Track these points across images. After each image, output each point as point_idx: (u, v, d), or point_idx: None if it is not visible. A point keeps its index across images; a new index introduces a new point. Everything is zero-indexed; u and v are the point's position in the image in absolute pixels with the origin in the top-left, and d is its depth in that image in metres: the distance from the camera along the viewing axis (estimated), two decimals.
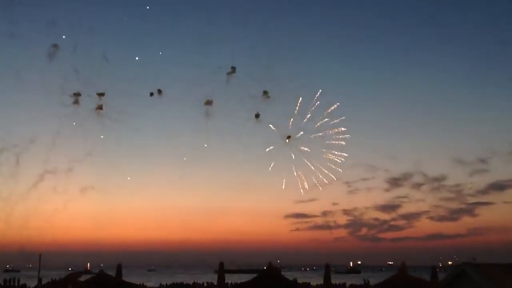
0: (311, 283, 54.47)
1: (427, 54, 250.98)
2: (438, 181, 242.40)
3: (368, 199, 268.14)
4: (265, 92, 31.06)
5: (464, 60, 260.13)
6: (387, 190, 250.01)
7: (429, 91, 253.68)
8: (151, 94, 31.42)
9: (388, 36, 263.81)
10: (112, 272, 33.69)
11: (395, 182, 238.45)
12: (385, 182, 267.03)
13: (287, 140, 31.55)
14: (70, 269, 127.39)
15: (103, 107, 30.79)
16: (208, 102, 31.92)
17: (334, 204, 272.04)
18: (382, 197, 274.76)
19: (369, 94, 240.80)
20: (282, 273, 32.69)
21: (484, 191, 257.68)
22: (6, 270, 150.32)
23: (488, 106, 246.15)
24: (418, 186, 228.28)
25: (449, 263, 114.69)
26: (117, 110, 31.25)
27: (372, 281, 56.43)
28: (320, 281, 47.82)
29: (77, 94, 30.45)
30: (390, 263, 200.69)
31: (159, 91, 31.63)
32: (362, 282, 67.75)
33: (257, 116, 31.59)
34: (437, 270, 31.55)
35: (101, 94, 30.65)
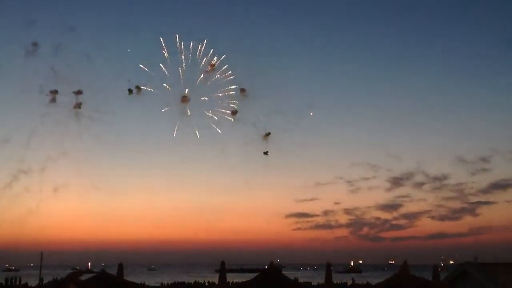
0: (312, 283, 54.41)
1: (428, 52, 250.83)
2: (439, 180, 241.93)
3: (369, 198, 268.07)
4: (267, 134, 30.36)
5: (466, 59, 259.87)
6: (388, 189, 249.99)
7: (430, 90, 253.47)
8: (130, 91, 30.47)
9: (388, 34, 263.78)
10: (113, 271, 33.63)
11: (396, 181, 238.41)
12: (386, 181, 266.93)
13: (266, 137, 30.57)
14: (77, 267, 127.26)
15: (81, 106, 30.07)
16: (185, 100, 30.97)
17: (335, 203, 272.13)
18: (384, 197, 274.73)
19: (370, 93, 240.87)
20: (283, 272, 32.57)
21: (486, 191, 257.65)
22: (6, 269, 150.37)
23: (490, 105, 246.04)
24: (419, 185, 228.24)
25: (451, 262, 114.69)
26: (95, 108, 30.72)
27: (374, 280, 56.33)
28: (321, 281, 47.72)
29: (54, 92, 29.80)
30: (391, 262, 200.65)
31: (138, 88, 30.70)
32: (351, 281, 67.46)
33: (233, 113, 30.65)
34: (439, 269, 31.48)
35: (78, 92, 29.97)
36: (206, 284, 62.91)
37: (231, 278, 50.53)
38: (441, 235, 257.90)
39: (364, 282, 64.14)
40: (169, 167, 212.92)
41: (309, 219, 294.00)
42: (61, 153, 32.64)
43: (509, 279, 22.32)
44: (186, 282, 68.46)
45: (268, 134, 30.75)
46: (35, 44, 30.46)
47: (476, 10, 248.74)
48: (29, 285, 55.49)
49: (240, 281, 36.16)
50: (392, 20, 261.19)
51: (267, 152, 30.67)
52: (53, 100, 29.99)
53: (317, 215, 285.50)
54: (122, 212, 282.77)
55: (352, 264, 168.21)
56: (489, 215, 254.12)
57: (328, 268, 34.28)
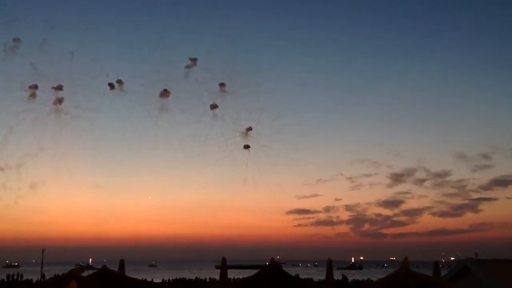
0: (313, 279, 54.41)
1: (430, 50, 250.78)
2: (441, 177, 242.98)
3: (370, 194, 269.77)
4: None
5: (467, 56, 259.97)
6: (389, 186, 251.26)
7: (432, 87, 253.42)
8: (111, 85, 29.74)
9: (388, 32, 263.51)
10: (114, 267, 33.70)
11: (397, 177, 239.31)
12: (387, 177, 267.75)
13: (247, 133, 29.73)
14: (81, 263, 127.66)
15: (62, 102, 29.47)
16: (164, 94, 30.13)
17: (336, 199, 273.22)
18: (385, 193, 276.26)
19: (370, 90, 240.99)
20: (283, 268, 32.53)
21: (487, 187, 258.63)
22: (6, 266, 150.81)
23: (491, 101, 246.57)
24: (421, 182, 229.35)
25: (452, 258, 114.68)
26: (76, 105, 30.20)
27: (374, 277, 56.42)
28: (322, 277, 47.77)
29: (34, 87, 29.22)
30: (392, 258, 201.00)
31: (119, 82, 30.01)
32: (341, 278, 67.16)
33: (213, 107, 29.80)
34: (440, 265, 31.50)
35: (58, 88, 29.37)
36: (208, 280, 62.95)
37: (232, 274, 50.63)
38: (442, 232, 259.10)
39: (365, 279, 64.20)
40: (163, 164, 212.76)
41: (310, 215, 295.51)
42: (42, 149, 31.92)
43: (510, 275, 22.32)
44: (187, 278, 68.50)
45: (249, 129, 29.97)
46: (16, 40, 29.77)
47: (477, 11, 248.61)
48: (32, 281, 55.68)
49: (241, 278, 36.18)
50: (392, 17, 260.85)
51: (248, 146, 29.95)
52: (32, 96, 29.41)
53: (318, 212, 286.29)
54: (123, 209, 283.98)
55: (353, 261, 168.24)
56: (490, 212, 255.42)
57: (329, 265, 34.31)
